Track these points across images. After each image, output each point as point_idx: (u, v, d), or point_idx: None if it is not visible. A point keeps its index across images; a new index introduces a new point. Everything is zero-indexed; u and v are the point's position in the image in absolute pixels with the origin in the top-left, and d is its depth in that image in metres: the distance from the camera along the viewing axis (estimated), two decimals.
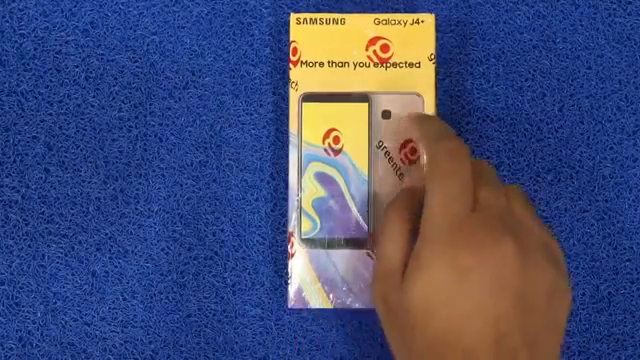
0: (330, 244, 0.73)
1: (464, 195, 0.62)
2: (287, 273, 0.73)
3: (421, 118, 0.70)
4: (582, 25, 0.79)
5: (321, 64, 0.73)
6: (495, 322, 0.60)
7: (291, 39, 0.74)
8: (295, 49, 0.74)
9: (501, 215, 0.62)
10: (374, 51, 0.73)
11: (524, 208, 0.64)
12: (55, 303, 0.78)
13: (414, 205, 0.68)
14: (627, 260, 0.78)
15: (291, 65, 0.74)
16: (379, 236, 0.67)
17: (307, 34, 0.74)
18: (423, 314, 0.61)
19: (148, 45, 0.79)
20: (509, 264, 0.60)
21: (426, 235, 0.62)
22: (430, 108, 0.73)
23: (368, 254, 0.73)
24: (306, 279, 0.73)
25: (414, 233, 0.66)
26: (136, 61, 0.79)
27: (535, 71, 0.79)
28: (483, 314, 0.59)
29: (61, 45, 0.79)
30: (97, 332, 0.77)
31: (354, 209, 0.73)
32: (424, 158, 0.66)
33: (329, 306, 0.73)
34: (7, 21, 0.79)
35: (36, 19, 0.79)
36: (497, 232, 0.60)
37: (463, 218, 0.61)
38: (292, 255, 0.73)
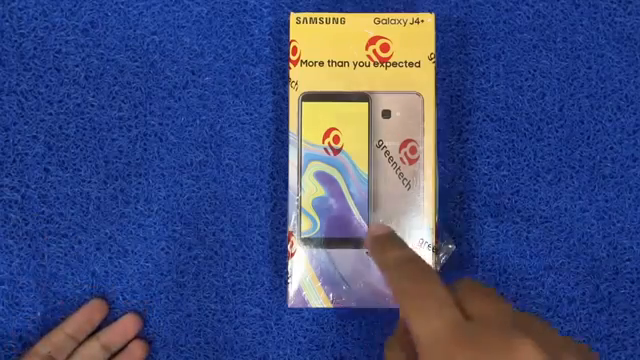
0: (330, 243, 0.73)
1: (446, 310, 0.52)
2: (287, 273, 0.73)
3: (376, 245, 0.60)
4: (582, 25, 0.79)
5: (321, 63, 0.73)
6: None
7: (291, 38, 0.74)
8: (295, 48, 0.74)
9: (508, 320, 0.52)
10: (374, 50, 0.73)
11: (536, 319, 0.53)
12: (55, 303, 0.78)
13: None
14: (627, 260, 0.78)
15: (291, 64, 0.74)
16: None
17: (307, 33, 0.74)
18: None
19: (148, 45, 0.79)
20: None
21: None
22: (430, 107, 0.73)
23: (368, 253, 0.72)
24: (306, 278, 0.73)
25: None
26: (136, 61, 0.79)
27: (535, 71, 0.79)
28: None
29: (61, 45, 0.79)
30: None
31: (354, 208, 0.73)
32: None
33: (329, 305, 0.73)
34: (7, 21, 0.79)
35: (36, 19, 0.79)
36: (508, 334, 0.50)
37: (457, 328, 0.51)
38: (292, 255, 0.73)
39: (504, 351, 0.48)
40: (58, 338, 0.75)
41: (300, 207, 0.73)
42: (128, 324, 0.77)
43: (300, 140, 0.73)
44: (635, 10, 0.79)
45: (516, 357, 0.48)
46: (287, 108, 0.77)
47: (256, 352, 0.78)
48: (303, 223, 0.73)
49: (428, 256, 0.72)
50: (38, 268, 0.78)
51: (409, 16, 0.74)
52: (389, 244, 0.59)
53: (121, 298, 0.78)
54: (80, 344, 0.76)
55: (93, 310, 0.77)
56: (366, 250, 0.73)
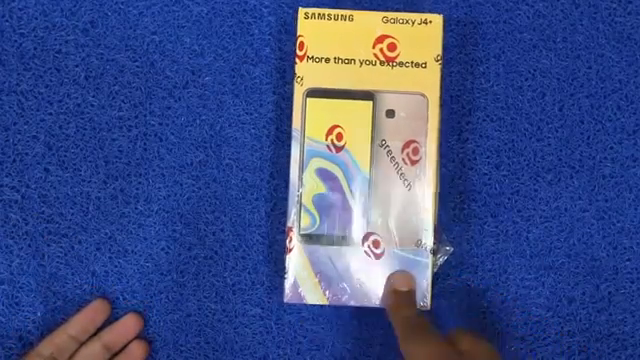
0: (328, 240, 0.73)
1: (435, 341, 0.67)
2: (284, 268, 0.73)
3: (394, 300, 0.73)
4: (582, 25, 0.79)
5: (327, 60, 0.73)
6: None
7: (298, 33, 0.73)
8: (302, 44, 0.73)
9: (493, 356, 0.67)
10: (381, 49, 0.73)
11: None
12: (55, 303, 0.78)
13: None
14: (627, 260, 0.78)
15: (297, 60, 0.73)
16: None
17: (314, 29, 0.73)
18: None
19: (148, 45, 0.79)
20: None
21: None
22: (434, 109, 0.73)
23: (365, 252, 0.72)
24: (302, 274, 0.72)
25: None
26: (136, 60, 0.79)
27: (535, 71, 0.79)
28: None
29: (61, 44, 0.79)
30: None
31: (354, 207, 0.73)
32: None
33: (325, 302, 0.72)
34: (7, 20, 0.79)
35: (36, 18, 0.79)
36: None
37: (447, 355, 0.65)
38: (290, 250, 0.73)
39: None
40: (61, 339, 0.75)
41: (300, 203, 0.73)
42: (129, 324, 0.77)
43: (303, 136, 0.73)
44: (635, 10, 0.79)
45: None
46: (287, 108, 0.77)
47: (256, 352, 0.78)
48: (303, 219, 0.73)
49: (426, 258, 0.72)
50: (38, 268, 0.77)
51: (417, 16, 0.73)
52: (406, 303, 0.72)
53: (121, 298, 0.78)
54: (82, 344, 0.76)
55: (96, 311, 0.77)
56: (364, 249, 0.72)
